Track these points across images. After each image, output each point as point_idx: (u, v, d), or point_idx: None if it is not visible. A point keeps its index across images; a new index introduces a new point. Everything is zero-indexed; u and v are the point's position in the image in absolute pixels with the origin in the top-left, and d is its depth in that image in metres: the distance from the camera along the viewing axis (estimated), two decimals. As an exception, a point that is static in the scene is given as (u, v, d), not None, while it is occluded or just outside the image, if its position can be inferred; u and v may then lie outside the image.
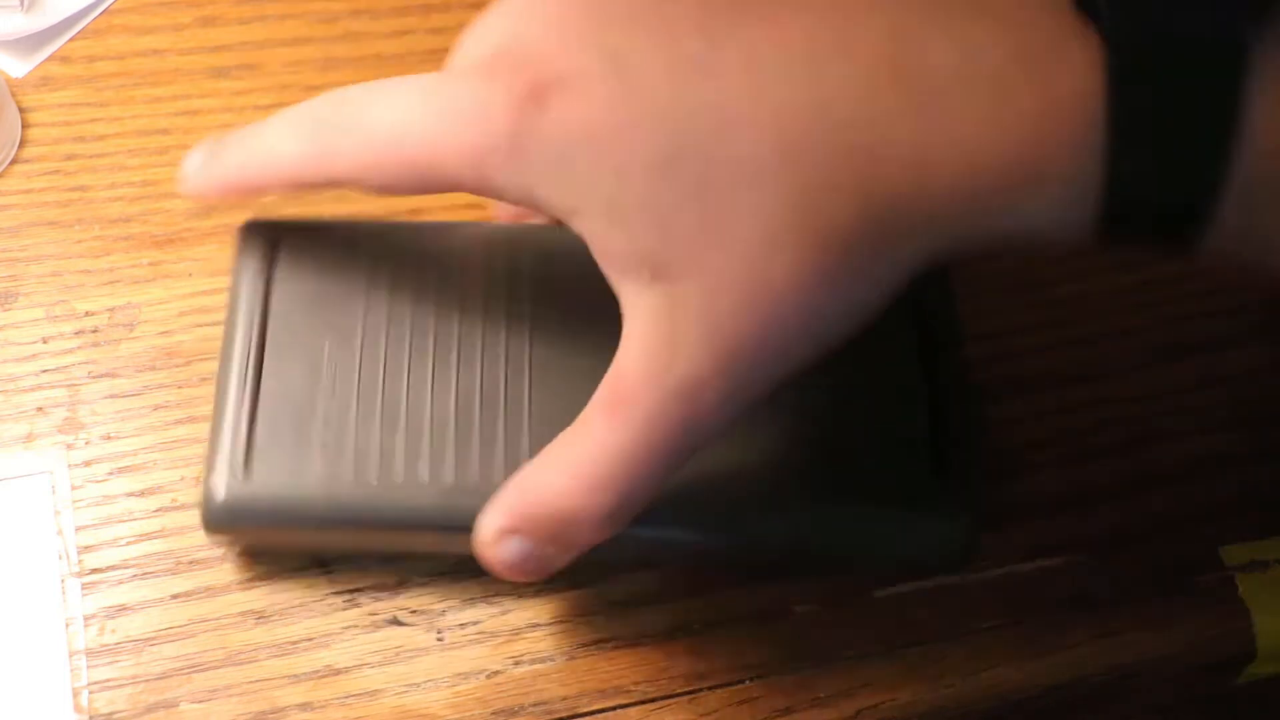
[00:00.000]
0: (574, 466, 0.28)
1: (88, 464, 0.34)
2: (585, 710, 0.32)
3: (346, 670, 0.32)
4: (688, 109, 0.26)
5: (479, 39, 0.29)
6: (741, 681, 0.33)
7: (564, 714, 0.32)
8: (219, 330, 0.36)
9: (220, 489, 0.31)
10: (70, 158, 0.39)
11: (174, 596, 0.33)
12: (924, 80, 0.25)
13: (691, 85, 0.27)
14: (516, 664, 0.32)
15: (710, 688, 0.32)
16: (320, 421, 0.32)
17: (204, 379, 0.35)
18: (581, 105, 0.27)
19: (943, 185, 0.25)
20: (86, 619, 0.32)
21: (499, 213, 0.36)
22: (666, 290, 0.27)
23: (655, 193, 0.26)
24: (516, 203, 0.28)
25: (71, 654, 0.32)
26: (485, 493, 0.29)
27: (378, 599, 0.33)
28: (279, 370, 0.32)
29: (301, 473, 0.31)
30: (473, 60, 0.29)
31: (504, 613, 0.33)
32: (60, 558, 0.33)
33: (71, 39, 0.41)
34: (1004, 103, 0.25)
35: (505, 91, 0.27)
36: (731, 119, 0.26)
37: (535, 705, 0.32)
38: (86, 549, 0.33)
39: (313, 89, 0.40)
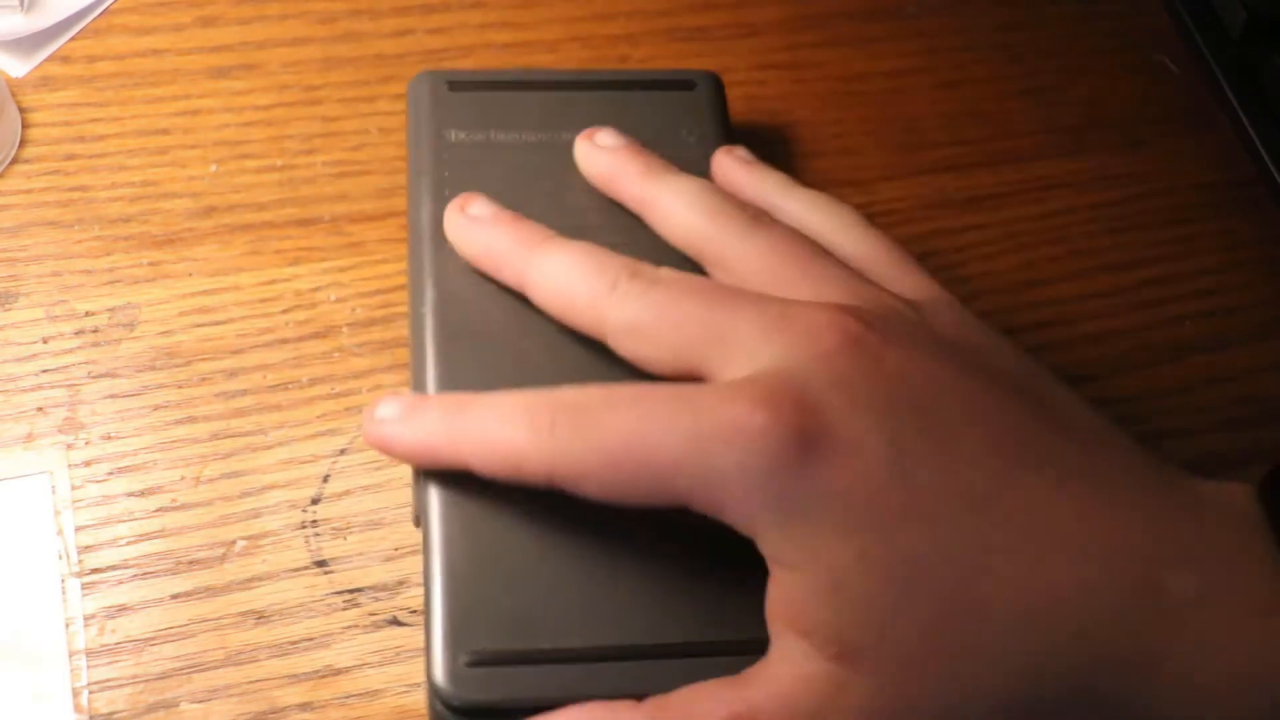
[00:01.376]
0: None
1: (88, 464, 0.34)
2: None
3: (346, 670, 0.32)
4: (952, 538, 0.27)
5: (736, 353, 0.29)
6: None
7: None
8: (219, 330, 0.36)
9: None
10: (70, 158, 0.39)
11: (174, 596, 0.33)
12: (1165, 601, 0.27)
13: (962, 516, 0.27)
14: None
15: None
16: None
17: (204, 379, 0.35)
18: (849, 475, 0.27)
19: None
20: (86, 619, 0.32)
21: None
22: (839, 672, 0.27)
23: (889, 597, 0.27)
24: (728, 523, 0.28)
25: (71, 654, 0.32)
26: None
27: (377, 599, 0.33)
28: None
29: None
30: (728, 376, 0.28)
31: (504, 613, 0.33)
32: (60, 558, 0.33)
33: (71, 39, 0.41)
34: (1234, 641, 0.27)
35: (775, 429, 0.27)
36: (993, 573, 0.27)
37: (535, 705, 0.32)
38: (86, 549, 0.33)
39: (313, 89, 0.40)
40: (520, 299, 0.33)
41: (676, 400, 0.28)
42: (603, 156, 0.35)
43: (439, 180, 0.35)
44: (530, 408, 0.29)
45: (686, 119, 0.37)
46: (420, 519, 0.31)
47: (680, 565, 0.31)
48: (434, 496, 0.31)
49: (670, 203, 0.33)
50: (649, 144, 0.36)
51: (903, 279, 0.32)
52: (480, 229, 0.33)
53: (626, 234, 0.34)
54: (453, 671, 0.29)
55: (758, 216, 0.33)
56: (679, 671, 0.29)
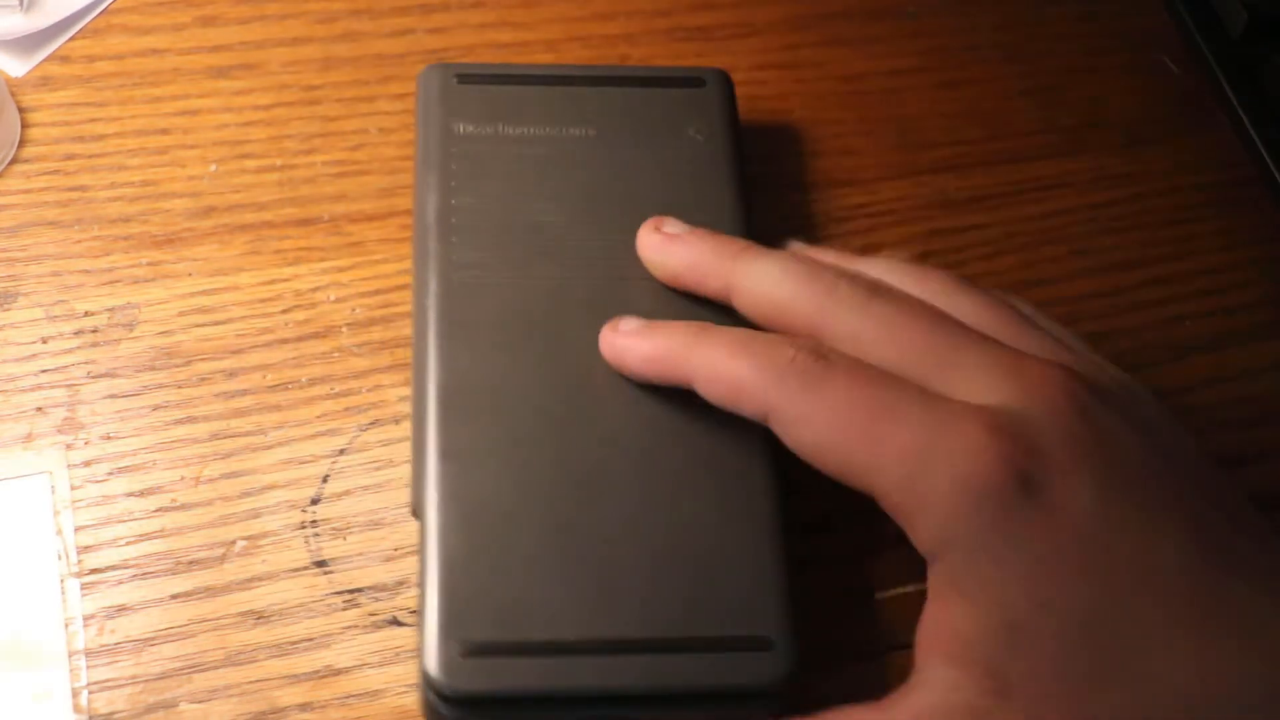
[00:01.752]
0: None
1: (87, 464, 0.34)
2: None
3: (346, 670, 0.32)
4: (1135, 609, 0.27)
5: (961, 382, 0.29)
6: (741, 682, 0.33)
7: (564, 714, 0.32)
8: (218, 330, 0.36)
9: None
10: (70, 158, 0.39)
11: (173, 597, 0.33)
12: None
13: (1149, 591, 0.27)
14: None
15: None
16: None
17: (203, 379, 0.35)
18: (1056, 528, 0.27)
19: None
20: (86, 619, 0.32)
21: None
22: (989, 706, 0.27)
23: (1059, 648, 0.27)
24: (912, 533, 0.29)
25: (71, 654, 0.32)
26: None
27: (377, 599, 0.33)
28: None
29: None
30: (963, 393, 0.29)
31: (504, 613, 0.33)
32: (60, 558, 0.33)
33: (71, 39, 0.41)
34: None
35: (1002, 459, 0.28)
36: (1161, 650, 0.27)
37: (535, 705, 0.32)
38: (86, 549, 0.33)
39: (312, 89, 0.40)
40: (522, 293, 0.33)
41: (913, 396, 0.29)
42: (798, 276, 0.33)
43: (445, 172, 0.35)
44: (766, 347, 0.30)
45: (695, 116, 0.37)
46: (418, 510, 0.31)
47: (678, 560, 0.31)
48: (433, 487, 0.31)
49: (884, 266, 0.33)
50: (657, 140, 0.36)
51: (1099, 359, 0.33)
52: (679, 244, 0.34)
53: (632, 232, 0.34)
54: (446, 661, 0.29)
55: (967, 283, 0.33)
56: (674, 666, 0.30)
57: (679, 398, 0.32)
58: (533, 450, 0.32)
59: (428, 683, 0.30)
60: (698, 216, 0.35)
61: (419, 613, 0.30)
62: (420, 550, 0.31)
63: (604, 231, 0.35)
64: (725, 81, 0.38)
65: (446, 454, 0.32)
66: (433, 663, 0.29)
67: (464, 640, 0.29)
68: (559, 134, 0.36)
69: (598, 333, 0.33)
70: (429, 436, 0.32)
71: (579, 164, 0.36)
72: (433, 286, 0.34)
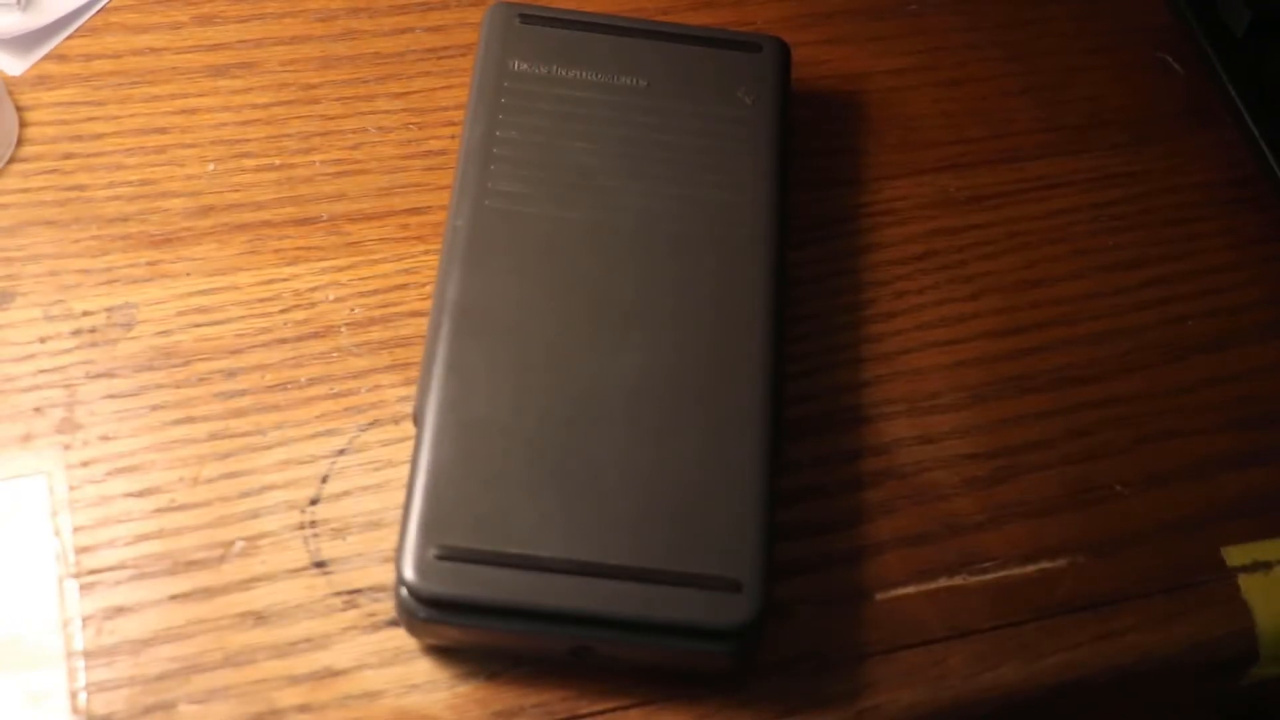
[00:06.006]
0: None
1: (85, 464, 0.34)
2: (585, 711, 0.32)
3: (346, 672, 0.32)
4: None
5: None
6: (743, 684, 0.32)
7: (564, 715, 0.32)
8: (217, 330, 0.36)
9: None
10: (67, 157, 0.39)
11: (172, 598, 0.33)
12: None
13: None
14: (516, 664, 0.32)
15: (711, 690, 0.32)
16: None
17: (202, 379, 0.35)
18: None
19: None
20: (84, 620, 0.32)
21: None
22: None
23: None
24: None
25: (69, 655, 0.32)
26: None
27: (377, 600, 0.33)
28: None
29: None
30: None
31: (503, 614, 0.33)
32: (58, 559, 0.33)
33: (68, 37, 0.41)
34: None
35: None
36: None
37: (535, 706, 0.32)
38: (84, 550, 0.33)
39: (311, 87, 0.40)
40: (549, 226, 0.35)
41: None
42: None
43: (495, 106, 0.37)
44: None
45: (747, 80, 0.38)
46: (418, 417, 0.33)
47: (661, 494, 0.32)
48: (433, 397, 0.33)
49: None
50: (705, 99, 0.38)
51: None
52: None
53: (670, 183, 0.36)
54: (420, 561, 0.31)
55: None
56: (639, 595, 0.31)
57: (682, 343, 0.34)
58: (533, 374, 0.33)
59: (400, 580, 0.31)
60: (732, 177, 0.36)
61: (402, 513, 0.31)
62: (413, 455, 0.32)
63: (638, 180, 0.36)
64: (782, 49, 0.39)
65: (451, 367, 0.33)
66: (408, 561, 0.31)
67: (441, 543, 0.31)
68: (610, 81, 0.38)
69: (614, 273, 0.34)
70: (438, 349, 0.33)
71: (625, 112, 0.37)
72: (465, 209, 0.35)
